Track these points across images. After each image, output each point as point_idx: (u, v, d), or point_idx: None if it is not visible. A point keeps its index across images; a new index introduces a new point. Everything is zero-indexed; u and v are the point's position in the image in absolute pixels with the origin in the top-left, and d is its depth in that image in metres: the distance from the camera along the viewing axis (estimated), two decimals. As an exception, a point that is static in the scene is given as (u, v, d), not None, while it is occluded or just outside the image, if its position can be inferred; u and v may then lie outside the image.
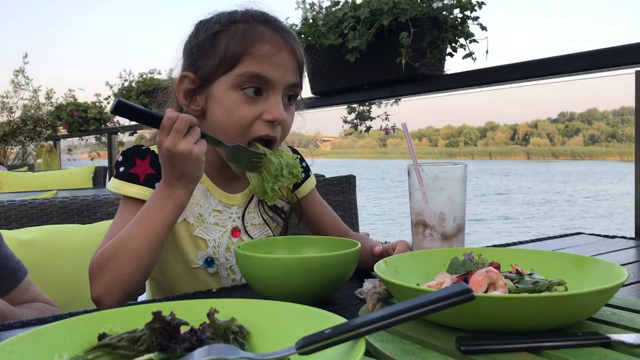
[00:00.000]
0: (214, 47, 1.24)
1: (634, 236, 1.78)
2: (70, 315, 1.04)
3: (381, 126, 3.33)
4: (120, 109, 1.09)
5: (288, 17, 2.67)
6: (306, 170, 1.49)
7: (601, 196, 25.31)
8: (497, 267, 0.94)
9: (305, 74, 1.36)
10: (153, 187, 1.23)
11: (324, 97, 2.73)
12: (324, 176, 2.52)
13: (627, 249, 1.57)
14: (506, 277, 0.89)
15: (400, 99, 3.10)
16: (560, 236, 1.80)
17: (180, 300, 0.86)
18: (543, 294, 0.83)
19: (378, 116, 3.26)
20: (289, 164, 1.22)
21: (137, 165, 1.26)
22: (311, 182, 1.49)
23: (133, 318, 0.74)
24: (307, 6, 2.63)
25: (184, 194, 1.13)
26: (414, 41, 2.21)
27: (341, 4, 2.50)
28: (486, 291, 0.85)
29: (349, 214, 2.50)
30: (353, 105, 3.25)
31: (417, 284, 0.93)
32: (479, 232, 14.62)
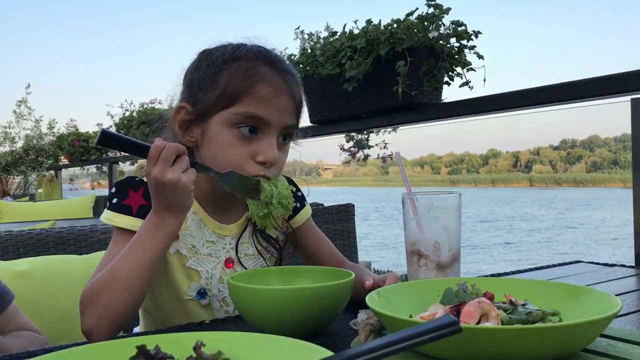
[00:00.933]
0: (214, 82, 1.24)
1: (633, 264, 1.77)
2: (61, 347, 1.03)
3: (378, 154, 3.33)
4: (105, 139, 1.08)
5: (287, 48, 2.70)
6: (301, 199, 1.48)
7: (602, 223, 25.25)
8: (491, 298, 0.93)
9: (305, 108, 1.36)
10: None
11: (322, 126, 2.74)
12: (322, 205, 2.51)
13: (626, 277, 1.55)
14: (499, 308, 0.88)
15: (398, 127, 3.11)
16: (559, 264, 1.78)
17: (166, 334, 0.85)
18: (534, 325, 0.82)
19: (376, 144, 3.27)
20: (280, 193, 1.21)
21: (130, 196, 1.25)
22: (306, 212, 1.48)
23: (120, 351, 0.73)
24: (305, 36, 2.65)
25: (173, 223, 1.12)
26: (411, 70, 2.23)
27: (338, 34, 2.52)
28: (479, 322, 0.84)
29: (348, 243, 2.48)
30: (352, 134, 3.26)
31: (410, 315, 0.91)
32: (479, 260, 14.56)
